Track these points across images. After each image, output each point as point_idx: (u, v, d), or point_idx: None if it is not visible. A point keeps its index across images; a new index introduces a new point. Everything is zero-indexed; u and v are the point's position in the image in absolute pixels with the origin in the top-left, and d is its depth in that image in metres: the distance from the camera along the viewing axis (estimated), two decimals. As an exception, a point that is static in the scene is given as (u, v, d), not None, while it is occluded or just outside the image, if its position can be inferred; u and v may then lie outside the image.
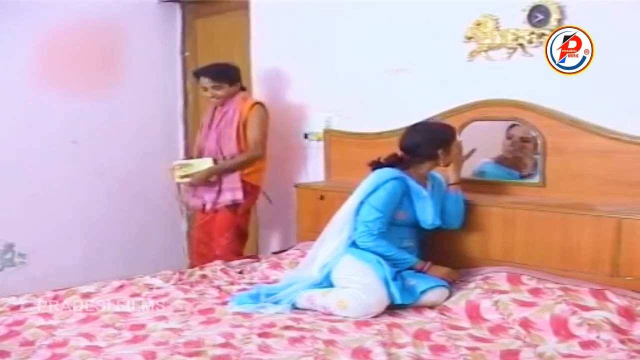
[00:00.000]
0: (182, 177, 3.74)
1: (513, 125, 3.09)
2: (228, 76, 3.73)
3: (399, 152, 2.94)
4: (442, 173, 3.03)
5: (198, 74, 3.81)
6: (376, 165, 2.92)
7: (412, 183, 2.87)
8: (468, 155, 3.01)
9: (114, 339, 2.37)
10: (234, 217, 3.74)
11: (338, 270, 2.78)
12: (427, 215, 2.86)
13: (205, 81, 3.72)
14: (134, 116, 4.63)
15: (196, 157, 3.86)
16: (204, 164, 3.71)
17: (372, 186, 2.84)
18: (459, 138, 2.98)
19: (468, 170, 3.12)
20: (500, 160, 3.21)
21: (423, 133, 2.94)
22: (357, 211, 2.85)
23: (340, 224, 2.88)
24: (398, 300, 2.64)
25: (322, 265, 2.83)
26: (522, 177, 3.12)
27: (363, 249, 2.79)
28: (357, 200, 2.86)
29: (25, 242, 4.25)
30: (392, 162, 2.91)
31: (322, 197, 3.52)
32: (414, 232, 2.93)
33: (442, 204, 2.95)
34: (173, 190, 4.02)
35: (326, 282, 2.80)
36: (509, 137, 3.12)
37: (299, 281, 2.84)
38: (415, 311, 2.67)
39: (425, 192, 2.88)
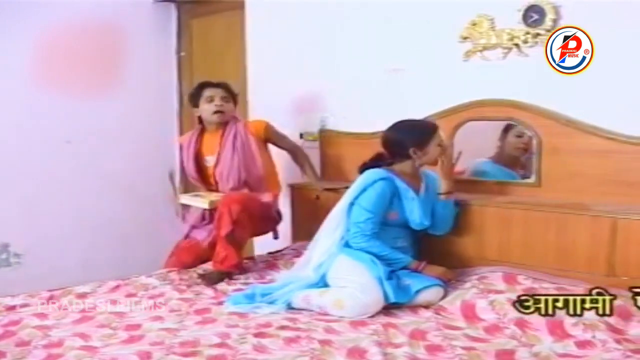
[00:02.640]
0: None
1: (510, 125, 3.09)
2: (234, 95, 3.63)
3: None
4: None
5: (206, 85, 3.59)
6: (363, 167, 2.93)
7: (400, 183, 2.86)
8: (457, 160, 2.95)
9: (109, 339, 2.37)
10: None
11: (333, 271, 2.78)
12: (415, 216, 2.85)
13: (216, 91, 3.54)
14: (130, 115, 4.63)
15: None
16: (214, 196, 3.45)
17: (360, 187, 2.84)
18: (443, 137, 2.92)
19: (466, 169, 3.13)
20: (500, 160, 3.20)
21: (398, 131, 2.92)
22: (348, 213, 2.85)
23: (333, 224, 2.88)
24: (392, 298, 2.64)
25: (316, 265, 2.83)
26: (523, 176, 3.09)
27: (357, 249, 2.79)
28: (347, 201, 2.86)
29: (20, 242, 4.25)
30: (375, 161, 2.93)
31: (317, 197, 3.52)
32: (408, 232, 2.93)
33: (434, 205, 2.95)
34: (169, 192, 3.99)
35: (322, 283, 2.80)
36: (519, 136, 3.07)
37: (295, 281, 2.83)
38: (411, 311, 2.66)
39: (412, 192, 2.86)
